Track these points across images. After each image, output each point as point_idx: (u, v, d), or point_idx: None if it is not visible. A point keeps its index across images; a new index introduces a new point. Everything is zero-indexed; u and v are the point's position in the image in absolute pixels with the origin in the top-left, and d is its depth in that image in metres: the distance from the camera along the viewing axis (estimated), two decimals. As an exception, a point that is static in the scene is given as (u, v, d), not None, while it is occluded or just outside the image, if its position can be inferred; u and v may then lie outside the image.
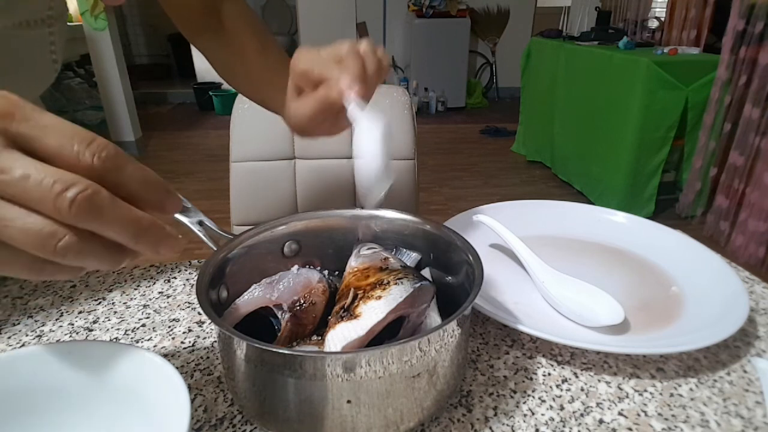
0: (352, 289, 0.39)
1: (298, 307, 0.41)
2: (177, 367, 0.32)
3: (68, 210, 0.22)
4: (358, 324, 0.36)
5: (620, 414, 0.40)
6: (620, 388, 0.43)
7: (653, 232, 0.64)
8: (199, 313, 0.53)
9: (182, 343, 0.48)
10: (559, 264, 0.56)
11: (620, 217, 0.67)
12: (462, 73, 4.84)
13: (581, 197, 2.82)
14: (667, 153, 2.40)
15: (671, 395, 0.42)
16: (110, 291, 0.57)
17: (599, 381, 0.43)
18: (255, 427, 0.38)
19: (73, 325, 0.51)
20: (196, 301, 0.53)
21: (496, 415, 0.40)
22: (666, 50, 2.48)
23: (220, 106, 4.80)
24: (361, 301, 0.38)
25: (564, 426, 0.39)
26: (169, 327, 0.50)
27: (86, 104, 4.21)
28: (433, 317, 0.40)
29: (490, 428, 0.38)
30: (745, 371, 0.45)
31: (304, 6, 4.62)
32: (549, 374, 0.44)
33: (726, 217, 2.32)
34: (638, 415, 0.40)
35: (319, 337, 0.41)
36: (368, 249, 0.45)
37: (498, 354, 0.47)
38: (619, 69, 2.45)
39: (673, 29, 3.10)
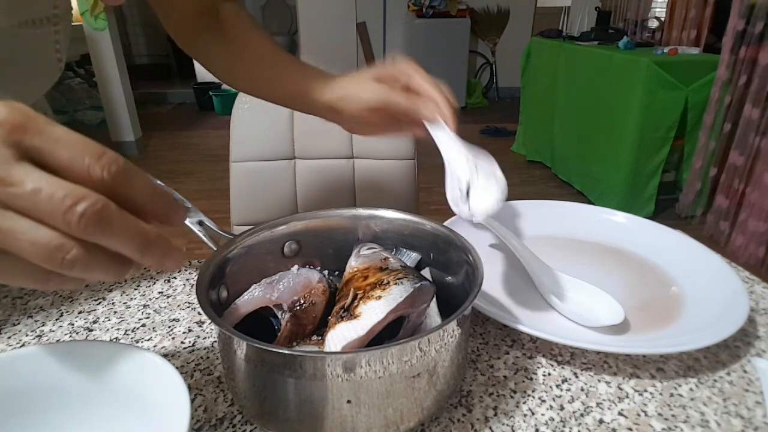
0: (352, 289, 0.39)
1: (298, 307, 0.41)
2: (177, 367, 0.32)
3: (77, 224, 0.22)
4: (358, 324, 0.36)
5: (620, 414, 0.40)
6: (620, 388, 0.43)
7: (653, 232, 0.64)
8: (199, 313, 0.53)
9: (182, 343, 0.48)
10: (559, 264, 0.56)
11: (620, 217, 0.67)
12: (462, 73, 4.84)
13: (581, 197, 2.82)
14: (667, 153, 2.40)
15: (671, 395, 0.42)
16: (110, 291, 0.57)
17: (599, 381, 0.43)
18: (255, 427, 0.38)
19: (73, 325, 0.51)
20: (196, 301, 0.53)
21: (496, 415, 0.40)
22: (666, 50, 2.48)
23: (220, 106, 4.80)
24: (361, 301, 0.38)
25: (564, 426, 0.39)
26: (169, 327, 0.50)
27: (86, 104, 4.21)
28: (433, 317, 0.40)
29: (490, 428, 0.38)
30: (745, 371, 0.45)
31: (304, 6, 4.62)
32: (549, 374, 0.44)
33: (726, 217, 2.32)
34: (638, 415, 0.40)
35: (319, 337, 0.41)
36: (368, 249, 0.45)
37: (498, 354, 0.47)
38: (619, 69, 2.45)
39: (673, 29, 3.10)
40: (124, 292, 0.56)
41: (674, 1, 3.10)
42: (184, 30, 0.59)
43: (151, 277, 0.59)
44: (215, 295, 0.40)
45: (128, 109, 3.52)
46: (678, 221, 2.56)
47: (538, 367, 0.45)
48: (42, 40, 0.49)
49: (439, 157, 0.45)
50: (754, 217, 2.14)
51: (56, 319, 0.52)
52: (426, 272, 0.46)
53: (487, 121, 4.47)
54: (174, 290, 0.57)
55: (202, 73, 5.05)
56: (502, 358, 0.46)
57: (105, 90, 3.44)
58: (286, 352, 0.32)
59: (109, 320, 0.52)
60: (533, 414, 0.40)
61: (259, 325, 0.40)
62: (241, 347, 0.33)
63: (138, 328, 0.50)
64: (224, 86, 4.66)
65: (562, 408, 0.40)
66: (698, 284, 0.54)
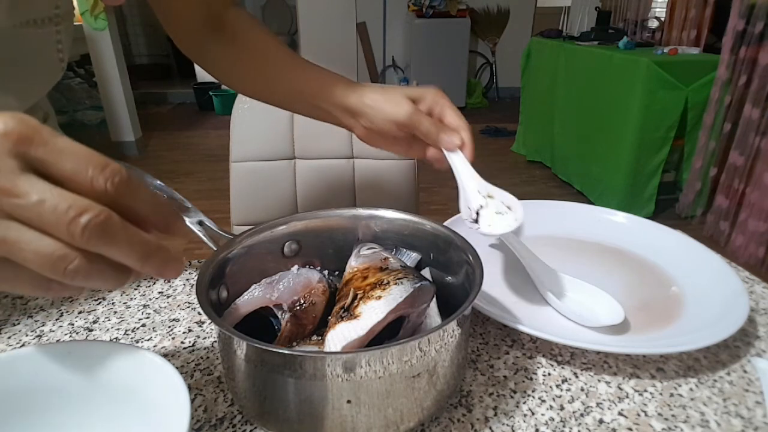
0: (352, 289, 0.39)
1: (298, 307, 0.41)
2: (177, 367, 0.32)
3: (81, 235, 0.22)
4: (358, 324, 0.36)
5: (620, 414, 0.40)
6: (620, 388, 0.43)
7: (653, 232, 0.64)
8: (199, 313, 0.53)
9: (182, 343, 0.48)
10: (559, 264, 0.56)
11: (620, 217, 0.67)
12: (462, 73, 4.84)
13: (581, 197, 2.82)
14: (667, 153, 2.40)
15: (671, 395, 0.42)
16: (110, 291, 0.57)
17: (599, 381, 0.43)
18: (255, 427, 0.38)
19: (73, 325, 0.51)
20: (196, 301, 0.53)
21: (496, 415, 0.40)
22: (666, 50, 2.48)
23: (220, 106, 4.80)
24: (361, 301, 0.38)
25: (564, 426, 0.39)
26: (169, 327, 0.50)
27: (86, 104, 4.21)
28: (433, 317, 0.40)
29: (490, 428, 0.38)
30: (745, 371, 0.45)
31: (304, 6, 4.62)
32: (549, 374, 0.44)
33: (726, 217, 2.32)
34: (638, 415, 0.40)
35: (319, 337, 0.41)
36: (368, 249, 0.45)
37: (498, 354, 0.47)
38: (619, 69, 2.45)
39: (673, 29, 3.10)
40: (124, 292, 0.56)
41: (674, 1, 3.10)
42: (186, 35, 0.59)
43: (151, 278, 0.59)
44: (215, 295, 0.40)
45: (128, 109, 3.52)
46: (678, 221, 2.56)
47: (538, 367, 0.45)
48: (44, 40, 0.49)
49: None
50: (754, 217, 2.14)
51: (56, 319, 0.52)
52: (426, 272, 0.46)
53: (487, 121, 4.47)
54: (174, 290, 0.57)
55: (202, 73, 5.03)
56: (502, 358, 0.46)
57: (105, 90, 3.44)
58: (286, 352, 0.32)
59: (109, 320, 0.52)
60: (533, 414, 0.40)
61: (259, 325, 0.40)
62: (241, 347, 0.33)
63: (138, 328, 0.50)
64: (224, 86, 4.66)
65: (562, 408, 0.40)
66: (698, 284, 0.54)
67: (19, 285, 0.24)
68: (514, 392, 0.42)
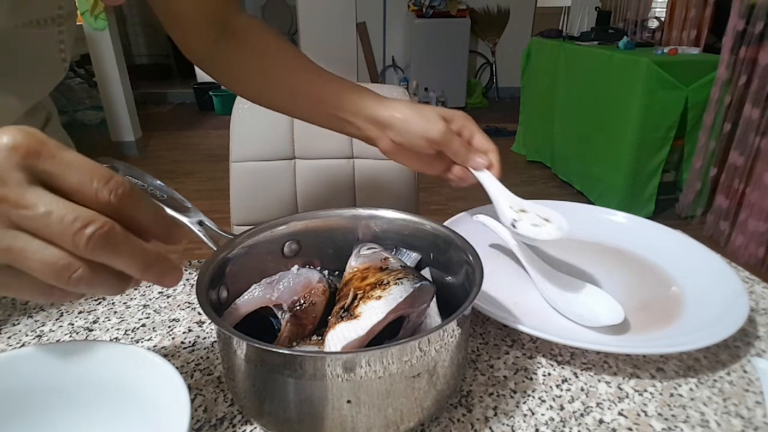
0: (352, 289, 0.39)
1: (298, 307, 0.41)
2: (177, 367, 0.32)
3: (85, 246, 0.24)
4: (358, 324, 0.36)
5: (620, 414, 0.40)
6: (620, 388, 0.43)
7: (653, 232, 0.64)
8: (199, 313, 0.53)
9: (182, 343, 0.48)
10: (559, 264, 0.56)
11: (620, 217, 0.67)
12: (462, 73, 4.84)
13: (581, 197, 2.82)
14: (667, 153, 2.40)
15: (671, 395, 0.42)
16: (111, 296, 0.57)
17: (599, 381, 0.43)
18: (255, 427, 0.38)
19: (73, 325, 0.51)
20: (196, 301, 0.53)
21: (496, 415, 0.40)
22: (666, 50, 2.48)
23: (220, 106, 4.80)
24: (361, 301, 0.38)
25: (564, 426, 0.39)
26: (169, 327, 0.50)
27: (86, 104, 4.21)
28: (433, 317, 0.40)
29: (490, 428, 0.38)
30: (745, 371, 0.45)
31: (304, 6, 4.62)
32: (549, 374, 0.44)
33: (726, 217, 2.32)
34: (638, 415, 0.40)
35: (319, 337, 0.41)
36: (368, 249, 0.45)
37: (498, 354, 0.47)
38: (619, 69, 2.45)
39: (673, 29, 3.10)
40: (124, 292, 0.56)
41: (674, 1, 3.10)
42: (192, 40, 0.58)
43: (151, 277, 0.59)
44: (215, 295, 0.40)
45: (128, 109, 3.52)
46: (678, 221, 2.57)
47: (538, 367, 0.45)
48: (46, 40, 0.49)
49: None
50: (754, 217, 2.14)
51: (56, 319, 0.52)
52: (426, 272, 0.46)
53: (487, 121, 4.47)
54: (174, 290, 0.57)
55: (202, 73, 5.01)
56: (502, 358, 0.46)
57: (105, 90, 3.44)
58: (286, 352, 0.32)
59: (109, 320, 0.52)
60: (533, 414, 0.40)
61: (259, 325, 0.40)
62: (241, 347, 0.33)
63: (138, 328, 0.50)
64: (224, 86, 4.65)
65: (562, 408, 0.40)
66: (698, 284, 0.54)
67: (23, 291, 0.26)
68: (514, 392, 0.42)
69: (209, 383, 0.43)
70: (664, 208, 2.62)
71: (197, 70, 5.05)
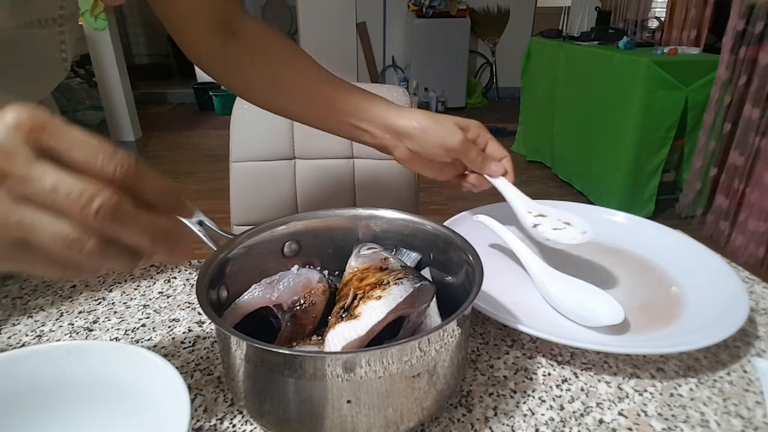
0: (352, 289, 0.39)
1: (298, 307, 0.41)
2: (177, 367, 0.32)
3: (94, 218, 0.24)
4: (358, 324, 0.36)
5: (620, 414, 0.40)
6: (620, 388, 0.43)
7: (653, 232, 0.64)
8: (199, 313, 0.53)
9: (182, 343, 0.48)
10: (559, 264, 0.55)
11: (620, 217, 0.67)
12: (462, 73, 4.83)
13: (581, 197, 2.82)
14: (667, 153, 2.40)
15: (671, 395, 0.42)
16: (110, 291, 0.57)
17: (599, 381, 0.43)
18: (255, 427, 0.38)
19: (73, 325, 0.51)
20: (196, 301, 0.53)
21: (496, 415, 0.40)
22: (666, 50, 2.48)
23: (220, 106, 4.80)
24: (361, 301, 0.38)
25: (564, 426, 0.39)
26: (169, 327, 0.50)
27: (86, 104, 4.21)
28: (433, 317, 0.40)
29: (490, 428, 0.38)
30: (745, 371, 0.45)
31: (304, 6, 4.62)
32: (549, 374, 0.44)
33: (726, 217, 2.32)
34: (638, 415, 0.40)
35: (319, 337, 0.41)
36: (368, 249, 0.45)
37: (498, 354, 0.47)
38: (619, 69, 2.45)
39: (673, 29, 3.10)
40: (124, 292, 0.56)
41: (674, 1, 3.10)
42: (195, 42, 0.57)
43: (151, 277, 0.59)
44: (215, 295, 0.40)
45: (128, 109, 3.52)
46: (678, 221, 2.56)
47: (538, 367, 0.45)
48: (47, 41, 0.48)
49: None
50: (754, 217, 2.14)
51: (56, 319, 0.52)
52: (426, 272, 0.46)
53: (487, 121, 4.43)
54: (174, 290, 0.57)
55: (202, 73, 5.00)
56: (502, 358, 0.46)
57: (105, 90, 3.44)
58: (286, 352, 0.32)
59: (109, 320, 0.52)
60: (533, 414, 0.40)
61: (259, 325, 0.40)
62: (241, 347, 0.33)
63: (138, 328, 0.50)
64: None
65: (562, 408, 0.40)
66: (698, 284, 0.54)
67: (38, 267, 0.26)
68: (514, 392, 0.42)
69: (209, 383, 0.43)
70: (664, 208, 2.62)
71: (197, 70, 5.04)
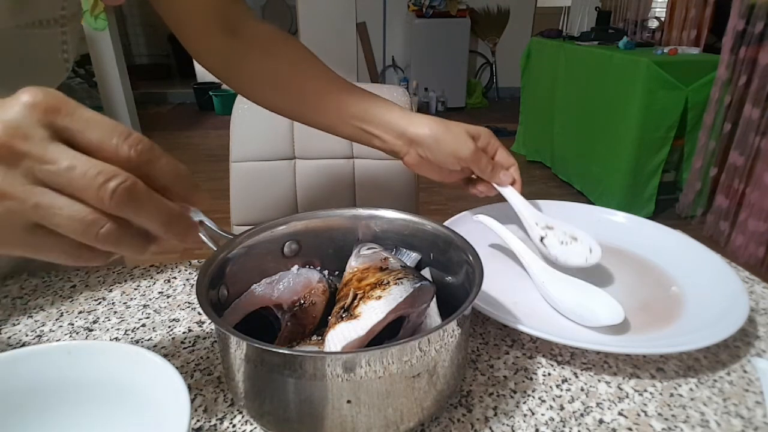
0: (352, 289, 0.39)
1: (298, 307, 0.41)
2: (177, 367, 0.32)
3: (109, 200, 0.23)
4: (358, 324, 0.36)
5: (620, 414, 0.40)
6: (620, 388, 0.43)
7: (653, 232, 0.64)
8: (199, 313, 0.53)
9: (182, 343, 0.48)
10: (559, 264, 0.55)
11: (620, 217, 0.67)
12: (462, 73, 4.84)
13: (581, 197, 2.82)
14: (667, 153, 2.40)
15: (671, 395, 0.42)
16: (110, 291, 0.57)
17: (599, 381, 0.43)
18: (255, 427, 0.38)
19: (73, 325, 0.51)
20: (196, 301, 0.53)
21: (496, 415, 0.40)
22: (666, 50, 2.48)
23: (220, 106, 4.80)
24: (361, 301, 0.38)
25: (564, 426, 0.39)
26: (169, 327, 0.50)
27: (86, 104, 4.14)
28: (433, 317, 0.40)
29: (490, 428, 0.38)
30: (745, 371, 0.45)
31: (304, 6, 4.62)
32: (549, 374, 0.44)
33: (726, 217, 2.32)
34: (638, 415, 0.40)
35: (319, 337, 0.41)
36: (368, 249, 0.45)
37: (498, 354, 0.47)
38: (619, 69, 2.45)
39: (673, 29, 3.10)
40: (124, 292, 0.56)
41: (674, 1, 3.10)
42: (196, 42, 0.57)
43: (151, 277, 0.59)
44: (215, 295, 0.40)
45: (128, 109, 3.52)
46: (678, 221, 2.57)
47: (538, 367, 0.45)
48: (49, 41, 0.48)
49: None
50: (754, 217, 2.14)
51: (56, 319, 0.52)
52: (426, 272, 0.46)
53: (487, 121, 4.47)
54: (174, 290, 0.57)
55: (202, 73, 5.04)
56: (502, 358, 0.46)
57: (105, 90, 3.45)
58: (286, 352, 0.32)
59: (109, 320, 0.52)
60: (533, 414, 0.40)
61: (259, 325, 0.40)
62: (241, 347, 0.33)
63: (138, 328, 0.50)
64: (224, 86, 4.65)
65: (562, 408, 0.40)
66: (698, 284, 0.54)
67: (53, 252, 0.25)
68: (514, 392, 0.42)
69: (209, 383, 0.43)
70: (664, 208, 2.62)
71: (197, 70, 5.07)
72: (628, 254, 0.62)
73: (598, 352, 0.47)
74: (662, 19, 3.50)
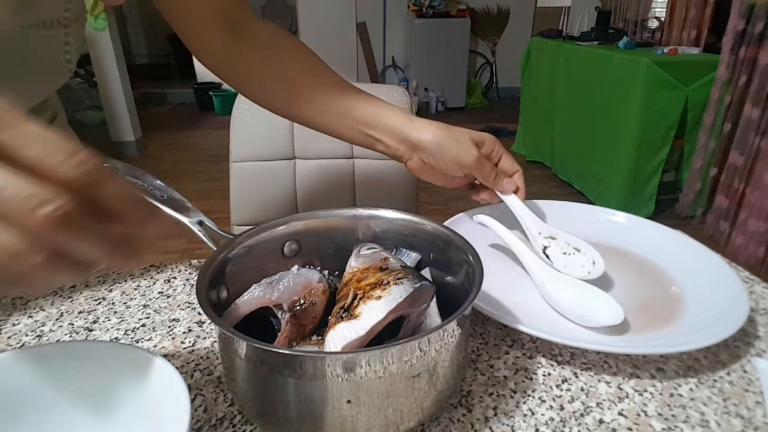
0: (352, 289, 0.39)
1: (298, 307, 0.41)
2: (177, 367, 0.32)
3: (41, 226, 0.21)
4: (358, 324, 0.36)
5: (620, 414, 0.40)
6: (620, 388, 0.43)
7: (653, 232, 0.64)
8: (199, 313, 0.53)
9: (182, 343, 0.48)
10: (559, 264, 0.55)
11: (620, 217, 0.67)
12: (462, 73, 4.84)
13: (581, 197, 2.82)
14: (667, 153, 2.40)
15: (671, 395, 0.42)
16: (110, 291, 0.57)
17: (599, 381, 0.43)
18: (255, 427, 0.38)
19: (73, 325, 0.51)
20: (196, 301, 0.53)
21: (496, 415, 0.40)
22: (666, 50, 2.48)
23: (220, 106, 4.80)
24: (361, 301, 0.38)
25: (564, 426, 0.39)
26: (169, 327, 0.50)
27: (86, 104, 4.21)
28: (433, 317, 0.40)
29: (490, 428, 0.38)
30: (745, 371, 0.45)
31: (304, 6, 4.62)
32: (549, 374, 0.44)
33: (726, 217, 2.32)
34: (638, 415, 0.40)
35: (319, 337, 0.41)
36: (368, 249, 0.45)
37: (498, 354, 0.47)
38: (619, 69, 2.45)
39: (673, 29, 3.10)
40: (124, 292, 0.56)
41: (674, 1, 3.10)
42: (198, 42, 0.57)
43: (151, 277, 0.59)
44: (215, 295, 0.40)
45: (128, 109, 3.52)
46: (678, 221, 2.57)
47: (538, 367, 0.45)
48: (52, 42, 0.48)
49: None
50: (754, 217, 2.14)
51: (56, 319, 0.52)
52: (426, 272, 0.46)
53: (487, 121, 4.47)
54: (174, 290, 0.57)
55: (202, 73, 5.05)
56: (502, 358, 0.46)
57: (105, 90, 3.44)
58: (286, 352, 0.32)
59: (109, 320, 0.52)
60: (533, 414, 0.40)
61: (259, 325, 0.40)
62: (241, 347, 0.33)
63: (138, 328, 0.50)
64: (224, 86, 4.67)
65: (562, 408, 0.40)
66: (698, 284, 0.54)
67: None
68: (514, 392, 0.42)
69: (209, 383, 0.43)
70: (664, 208, 2.62)
71: (197, 70, 5.07)
72: (628, 254, 0.62)
73: (598, 352, 0.47)
74: (662, 19, 3.50)
